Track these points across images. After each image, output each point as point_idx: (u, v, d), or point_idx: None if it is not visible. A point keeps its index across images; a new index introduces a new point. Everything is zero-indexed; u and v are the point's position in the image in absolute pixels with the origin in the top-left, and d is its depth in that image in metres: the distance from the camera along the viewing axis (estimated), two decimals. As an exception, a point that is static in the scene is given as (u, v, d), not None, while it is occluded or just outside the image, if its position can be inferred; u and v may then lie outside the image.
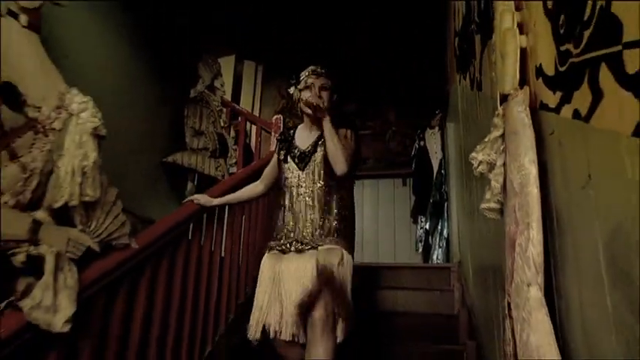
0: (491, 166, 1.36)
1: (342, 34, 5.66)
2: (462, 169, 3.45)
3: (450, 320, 2.94)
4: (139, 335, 2.00)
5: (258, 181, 2.62)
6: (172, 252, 2.30)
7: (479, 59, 2.26)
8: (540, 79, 1.13)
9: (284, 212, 2.31)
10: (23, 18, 1.62)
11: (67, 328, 1.36)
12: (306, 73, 2.38)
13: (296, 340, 2.07)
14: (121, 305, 1.88)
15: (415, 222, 5.28)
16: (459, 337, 2.76)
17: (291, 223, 2.26)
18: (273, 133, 4.18)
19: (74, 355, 1.60)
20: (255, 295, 2.21)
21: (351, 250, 2.20)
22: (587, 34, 0.82)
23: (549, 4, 1.06)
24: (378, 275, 3.65)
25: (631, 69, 0.66)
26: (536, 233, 1.12)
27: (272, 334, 2.09)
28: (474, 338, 2.48)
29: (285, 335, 2.05)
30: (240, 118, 4.65)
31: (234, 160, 4.15)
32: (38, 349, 1.44)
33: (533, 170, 1.12)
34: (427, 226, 4.87)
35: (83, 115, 1.59)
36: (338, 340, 2.04)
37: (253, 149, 4.68)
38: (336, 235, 2.18)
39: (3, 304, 1.29)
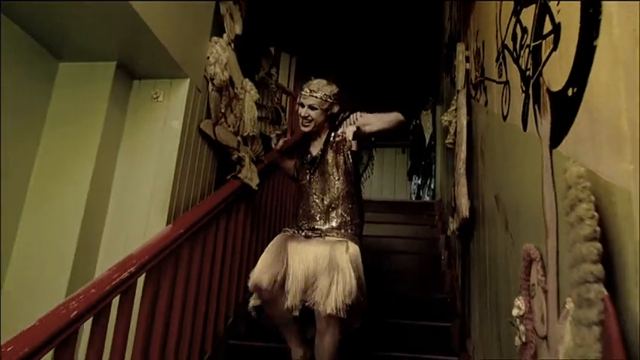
0: (450, 122, 2.88)
1: (357, 34, 7.07)
2: (443, 139, 4.97)
3: (432, 230, 4.50)
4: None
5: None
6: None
7: (453, 67, 3.75)
8: (471, 86, 2.64)
9: (299, 206, 2.44)
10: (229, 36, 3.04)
11: (256, 187, 2.87)
12: (302, 91, 2.47)
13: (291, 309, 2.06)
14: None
15: (410, 180, 6.83)
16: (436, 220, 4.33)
17: (304, 216, 2.36)
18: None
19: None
20: (260, 259, 2.16)
21: (358, 239, 2.27)
22: (480, 70, 2.33)
23: (473, 51, 2.57)
24: (386, 206, 5.21)
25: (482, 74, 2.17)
26: (463, 155, 2.63)
27: (268, 288, 2.06)
28: (445, 232, 4.03)
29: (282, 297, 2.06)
30: (287, 98, 6.13)
31: (285, 127, 5.64)
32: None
33: (464, 122, 2.63)
34: (419, 182, 6.43)
35: (252, 92, 3.09)
36: (356, 326, 2.15)
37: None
38: (343, 228, 2.26)
39: (229, 176, 2.79)
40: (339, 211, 2.32)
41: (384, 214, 4.86)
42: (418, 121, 6.87)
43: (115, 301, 1.56)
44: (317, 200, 2.36)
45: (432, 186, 6.07)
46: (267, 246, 2.23)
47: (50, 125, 2.21)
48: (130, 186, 2.26)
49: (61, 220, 2.06)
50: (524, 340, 1.31)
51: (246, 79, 3.08)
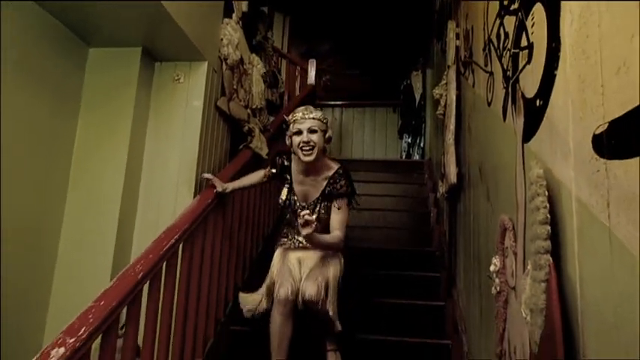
0: (441, 95, 3.15)
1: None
2: (433, 101, 5.23)
3: (422, 188, 4.84)
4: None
5: (264, 173, 2.55)
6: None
7: (444, 37, 3.96)
8: (461, 63, 2.89)
9: (287, 222, 2.52)
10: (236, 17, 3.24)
11: (266, 156, 3.15)
12: (293, 119, 2.34)
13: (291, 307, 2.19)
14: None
15: (401, 138, 7.12)
16: (425, 179, 4.68)
17: (293, 230, 2.45)
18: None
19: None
20: (269, 275, 2.34)
21: (341, 256, 2.41)
22: (469, 52, 2.58)
23: (463, 30, 2.80)
24: (377, 165, 5.53)
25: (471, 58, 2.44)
26: (452, 127, 2.91)
27: (280, 296, 2.18)
28: (434, 191, 4.38)
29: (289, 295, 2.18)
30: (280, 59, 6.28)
31: (282, 89, 5.84)
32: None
33: (454, 96, 2.90)
34: (409, 140, 6.72)
35: (258, 66, 3.31)
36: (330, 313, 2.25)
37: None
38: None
39: (242, 146, 3.06)
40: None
41: (375, 173, 5.17)
42: (409, 81, 7.08)
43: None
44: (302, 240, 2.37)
45: (422, 145, 6.36)
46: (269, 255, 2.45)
47: (85, 107, 2.44)
48: (159, 162, 2.53)
49: (104, 195, 2.34)
50: (498, 289, 1.65)
51: (253, 54, 3.29)
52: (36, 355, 1.26)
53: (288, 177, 2.44)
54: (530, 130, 1.38)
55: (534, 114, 1.34)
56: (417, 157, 6.31)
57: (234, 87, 2.94)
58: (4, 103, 2.01)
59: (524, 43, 1.49)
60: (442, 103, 3.15)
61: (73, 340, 1.30)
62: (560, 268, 1.07)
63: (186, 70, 2.60)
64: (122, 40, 2.44)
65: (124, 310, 1.59)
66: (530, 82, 1.41)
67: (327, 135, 2.37)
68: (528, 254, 1.28)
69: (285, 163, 2.46)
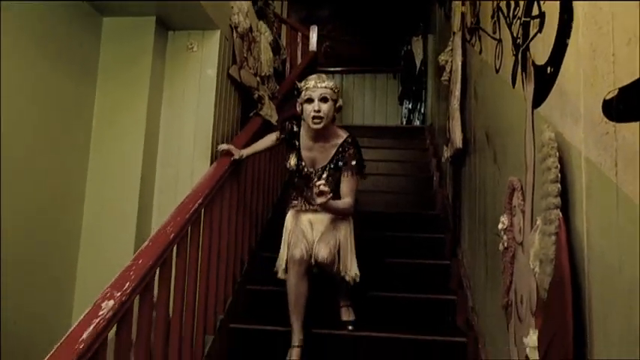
0: (446, 62, 3.21)
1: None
2: (434, 67, 5.26)
3: (424, 154, 4.94)
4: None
5: (275, 136, 2.61)
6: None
7: (449, 3, 3.97)
8: (467, 29, 2.94)
9: (296, 187, 2.55)
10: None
11: (276, 123, 3.22)
12: (305, 87, 2.36)
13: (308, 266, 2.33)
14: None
15: (401, 104, 7.16)
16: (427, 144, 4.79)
17: (303, 193, 2.51)
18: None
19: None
20: (283, 240, 2.45)
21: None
22: (475, 18, 2.63)
23: None
24: (379, 131, 5.61)
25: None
26: (458, 93, 2.98)
27: (295, 257, 2.30)
28: (436, 156, 4.48)
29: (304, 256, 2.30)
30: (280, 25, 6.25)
31: (284, 56, 5.84)
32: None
33: (459, 63, 2.96)
34: (410, 106, 6.77)
35: (266, 34, 3.34)
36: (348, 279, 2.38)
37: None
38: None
39: (252, 113, 3.13)
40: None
41: (377, 139, 5.25)
42: (409, 47, 7.06)
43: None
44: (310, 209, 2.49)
45: (423, 111, 6.42)
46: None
47: (102, 76, 2.50)
48: (175, 130, 2.61)
49: (125, 162, 2.43)
50: (505, 245, 1.77)
51: (261, 22, 3.32)
52: (87, 309, 1.37)
53: (297, 142, 2.49)
54: (541, 96, 1.46)
55: (545, 81, 1.43)
56: (417, 122, 6.37)
57: (245, 55, 2.99)
58: (24, 72, 2.06)
59: (535, 12, 1.56)
60: (447, 69, 3.21)
61: (119, 294, 1.42)
62: (569, 222, 1.18)
63: (199, 39, 2.64)
64: (135, 9, 2.47)
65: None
66: (540, 50, 1.48)
67: (337, 104, 2.41)
68: (537, 211, 1.39)
69: (295, 128, 2.50)
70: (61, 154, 2.32)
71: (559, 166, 1.20)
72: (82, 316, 1.33)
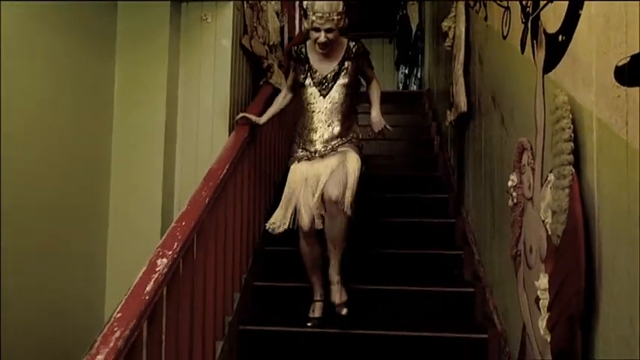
0: (449, 28, 3.29)
1: None
2: (432, 32, 5.32)
3: (423, 118, 5.06)
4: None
5: (285, 91, 2.68)
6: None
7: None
8: (469, -5, 3.01)
9: (305, 125, 2.49)
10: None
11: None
12: (314, 12, 2.38)
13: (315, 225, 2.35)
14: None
15: (397, 69, 7.23)
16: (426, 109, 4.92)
17: (312, 135, 2.46)
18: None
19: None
20: (283, 197, 2.42)
21: (359, 150, 2.51)
22: (479, -13, 2.71)
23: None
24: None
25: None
26: (462, 58, 3.07)
27: (304, 227, 2.33)
28: (435, 120, 4.60)
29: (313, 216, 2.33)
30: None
31: (283, 23, 5.85)
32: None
33: (463, 29, 3.05)
34: (406, 71, 6.85)
35: (272, 2, 3.40)
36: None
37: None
38: (348, 139, 2.47)
39: (262, 81, 3.22)
40: (345, 124, 2.48)
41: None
42: (405, 12, 7.08)
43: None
44: (323, 117, 2.46)
45: (419, 75, 6.50)
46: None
47: (120, 50, 2.57)
48: (194, 101, 2.70)
49: (147, 134, 2.55)
50: (515, 201, 1.93)
51: (269, -8, 3.36)
52: (143, 267, 1.50)
53: (307, 63, 2.51)
54: (552, 62, 1.58)
55: (556, 48, 1.54)
56: (414, 87, 6.47)
57: (254, 24, 3.05)
58: (43, 47, 2.12)
59: (545, -18, 1.66)
60: (450, 35, 3.30)
61: (170, 252, 1.55)
62: (581, 176, 1.32)
63: (212, 10, 2.70)
64: (150, -19, 2.53)
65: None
66: (551, 19, 1.59)
67: (343, 24, 2.46)
68: (548, 168, 1.53)
69: (302, 50, 2.53)
70: (86, 130, 2.42)
71: (572, 126, 1.34)
72: (139, 274, 1.47)
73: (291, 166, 2.49)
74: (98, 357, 1.16)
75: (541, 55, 1.68)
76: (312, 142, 2.46)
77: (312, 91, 2.47)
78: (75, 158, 2.35)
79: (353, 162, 2.44)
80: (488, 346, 2.21)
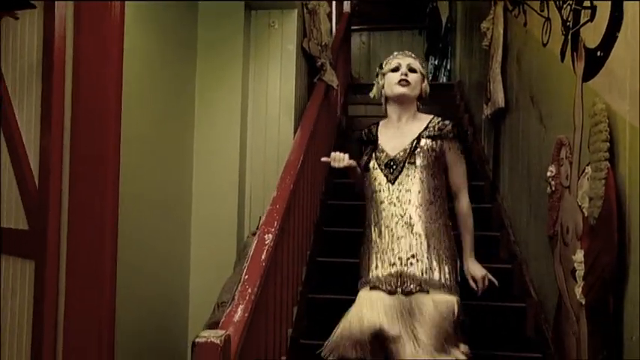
0: (487, 28, 3.55)
1: None
2: (464, 25, 5.55)
3: (455, 109, 5.32)
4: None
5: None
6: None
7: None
8: (508, 1, 3.27)
9: (373, 235, 1.83)
10: None
11: (336, 87, 3.64)
12: (390, 58, 2.00)
13: None
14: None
15: (427, 60, 7.46)
16: (458, 101, 5.19)
17: (387, 251, 1.77)
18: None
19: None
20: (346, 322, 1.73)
21: (458, 287, 1.76)
22: (519, -5, 2.98)
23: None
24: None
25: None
26: (499, 58, 3.32)
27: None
28: (468, 112, 4.87)
29: None
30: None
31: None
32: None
33: (501, 31, 3.30)
34: (436, 63, 7.08)
35: (324, 5, 3.71)
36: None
37: None
38: (448, 278, 1.73)
39: (316, 78, 3.54)
40: (432, 241, 1.76)
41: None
42: (435, 4, 7.29)
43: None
44: (407, 230, 1.76)
45: (449, 67, 6.73)
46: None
47: (201, 58, 2.92)
48: (262, 101, 3.05)
49: (225, 132, 2.91)
50: (553, 189, 2.23)
51: (320, -5, 3.66)
52: (253, 243, 1.86)
53: (376, 140, 1.95)
54: (590, 73, 1.87)
55: (595, 61, 1.83)
56: (443, 79, 6.70)
57: (311, 27, 3.37)
58: (133, 51, 2.38)
59: (586, 3, 1.94)
60: (488, 35, 3.56)
61: (272, 229, 1.91)
62: (615, 170, 1.63)
63: (279, 17, 3.02)
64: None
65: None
66: (591, 36, 1.87)
67: (424, 84, 1.97)
68: (585, 162, 1.83)
69: (372, 129, 2.00)
70: (171, 130, 2.77)
71: (609, 129, 1.64)
72: (252, 248, 1.82)
73: (360, 293, 1.79)
74: (240, 307, 1.52)
75: (580, 65, 1.97)
76: (382, 263, 1.78)
77: (377, 176, 1.86)
78: (162, 151, 2.70)
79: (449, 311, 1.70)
80: (527, 313, 2.53)
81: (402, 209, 1.80)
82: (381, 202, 1.84)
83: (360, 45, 7.75)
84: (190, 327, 2.85)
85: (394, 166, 1.86)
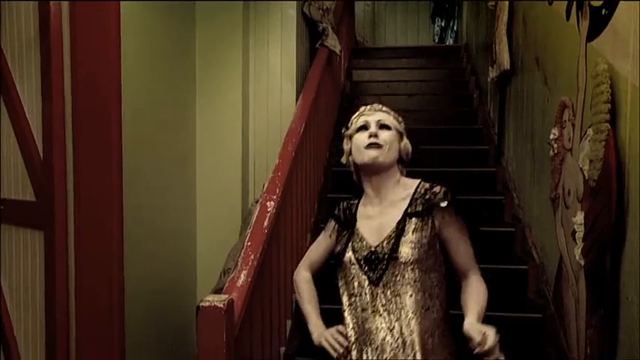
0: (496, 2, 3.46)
1: None
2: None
3: (462, 72, 5.26)
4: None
5: (323, 235, 1.65)
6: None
7: None
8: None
9: (354, 354, 1.40)
10: None
11: (339, 53, 3.59)
12: (357, 114, 1.53)
13: None
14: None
15: (433, 22, 7.32)
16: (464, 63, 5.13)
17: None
18: None
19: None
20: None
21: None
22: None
23: None
24: (414, 52, 5.89)
25: None
26: (505, 19, 3.25)
27: None
28: (474, 74, 4.81)
29: None
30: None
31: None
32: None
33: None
34: (442, 24, 6.95)
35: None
36: None
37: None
38: None
39: (318, 44, 3.50)
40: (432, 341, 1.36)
41: (413, 59, 5.52)
42: (441, -37, 7.10)
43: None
44: (387, 341, 1.36)
45: (455, 28, 6.61)
46: None
47: (200, 24, 2.89)
48: (264, 67, 3.03)
49: (228, 98, 2.90)
50: (555, 152, 2.23)
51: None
52: (256, 210, 1.89)
53: (353, 225, 1.49)
54: (594, 32, 1.84)
55: (599, 20, 1.79)
56: (450, 41, 6.59)
57: (312, -9, 3.31)
58: (130, 18, 2.36)
59: (591, -40, 1.88)
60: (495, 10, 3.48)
61: (275, 196, 1.94)
62: (615, 132, 1.62)
63: (279, -20, 2.98)
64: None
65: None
66: (596, -7, 1.83)
67: (403, 142, 1.52)
68: (587, 124, 1.83)
69: (352, 202, 1.56)
70: (172, 99, 2.77)
71: (610, 90, 1.63)
72: (254, 215, 1.86)
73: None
74: (243, 272, 1.56)
75: (585, 24, 1.93)
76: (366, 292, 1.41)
77: (355, 270, 1.42)
78: (164, 118, 2.71)
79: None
80: (529, 275, 2.57)
81: (390, 321, 1.36)
82: (363, 310, 1.40)
83: (364, 7, 7.60)
84: (198, 294, 2.93)
85: (376, 262, 1.39)
